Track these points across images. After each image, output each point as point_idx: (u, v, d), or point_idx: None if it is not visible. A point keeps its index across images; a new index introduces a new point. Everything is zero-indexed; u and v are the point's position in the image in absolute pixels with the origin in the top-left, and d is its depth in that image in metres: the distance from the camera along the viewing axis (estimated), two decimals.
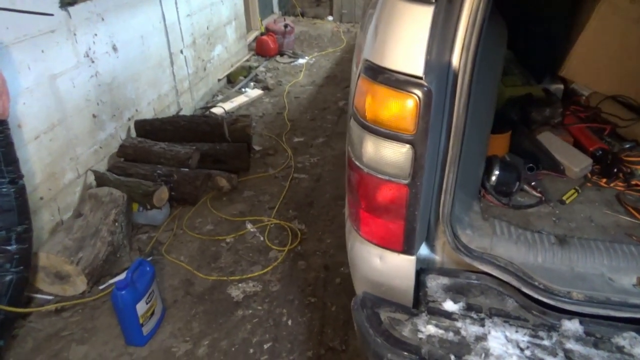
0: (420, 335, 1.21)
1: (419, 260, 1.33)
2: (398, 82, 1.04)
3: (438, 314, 1.27)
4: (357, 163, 1.19)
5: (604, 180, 1.63)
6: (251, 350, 2.09)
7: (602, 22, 1.98)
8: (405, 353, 1.15)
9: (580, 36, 2.04)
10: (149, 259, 2.54)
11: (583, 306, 1.24)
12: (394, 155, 1.10)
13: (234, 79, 4.78)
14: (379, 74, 1.06)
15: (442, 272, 1.37)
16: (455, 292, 1.33)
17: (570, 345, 1.20)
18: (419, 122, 1.05)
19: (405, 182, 1.13)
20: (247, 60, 5.18)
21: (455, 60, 1.08)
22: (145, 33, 3.32)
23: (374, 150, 1.13)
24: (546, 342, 1.21)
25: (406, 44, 1.02)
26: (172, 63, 3.71)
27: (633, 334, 1.22)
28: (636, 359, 1.17)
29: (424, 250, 1.37)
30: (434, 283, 1.34)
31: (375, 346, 1.18)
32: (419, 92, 1.02)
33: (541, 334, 1.23)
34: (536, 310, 1.28)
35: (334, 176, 3.32)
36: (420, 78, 1.02)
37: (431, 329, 1.22)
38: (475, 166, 1.40)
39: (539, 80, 2.18)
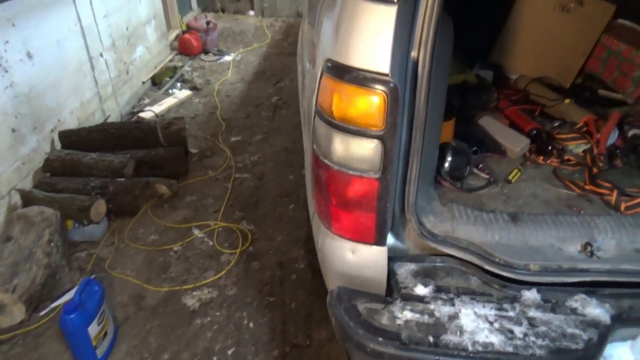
0: (398, 322, 1.25)
1: (388, 250, 1.37)
2: (365, 79, 1.06)
3: (411, 299, 1.32)
4: (325, 161, 1.20)
5: (541, 157, 1.77)
6: (215, 358, 2.04)
7: (524, 10, 2.13)
8: (388, 340, 1.19)
9: (505, 24, 2.18)
10: (92, 277, 2.39)
11: (539, 276, 1.34)
12: (364, 151, 1.13)
13: (159, 80, 4.58)
14: (345, 73, 1.07)
15: (409, 258, 1.42)
16: (423, 276, 1.38)
17: (532, 313, 1.30)
18: (387, 117, 1.08)
19: (376, 176, 1.16)
20: (171, 61, 4.99)
21: (415, 56, 1.11)
22: (61, 37, 3.09)
23: (344, 147, 1.14)
24: (511, 313, 1.30)
25: (371, 43, 1.04)
26: (92, 68, 3.48)
27: (583, 295, 1.34)
28: (587, 317, 1.29)
29: (390, 239, 1.41)
30: (403, 270, 1.39)
31: (357, 337, 1.20)
32: (386, 89, 1.05)
33: (505, 306, 1.32)
34: (498, 284, 1.36)
35: (277, 173, 3.31)
36: (387, 75, 1.05)
37: (407, 314, 1.27)
38: (432, 154, 1.46)
39: (471, 67, 2.31)
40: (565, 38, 2.19)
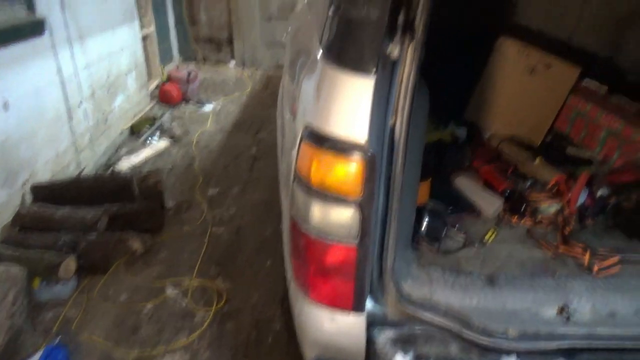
0: None
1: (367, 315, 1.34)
2: (344, 148, 1.07)
3: None
4: (303, 228, 1.19)
5: (515, 217, 1.79)
6: None
7: (495, 72, 2.23)
8: None
9: (478, 84, 2.27)
10: (57, 339, 2.27)
11: (518, 342, 1.33)
12: (342, 218, 1.12)
13: (137, 129, 4.57)
14: (324, 141, 1.08)
15: (389, 323, 1.39)
16: (402, 343, 1.35)
17: None
18: (365, 185, 1.09)
19: (355, 242, 1.15)
20: (151, 110, 5.00)
21: (392, 123, 1.14)
22: (40, 87, 3.07)
23: (321, 214, 1.14)
24: None
25: (350, 113, 1.06)
26: (70, 117, 3.46)
27: None
28: None
29: (368, 303, 1.39)
30: (382, 337, 1.35)
31: None
32: (364, 158, 1.07)
33: None
34: (477, 352, 1.34)
35: (254, 226, 3.27)
36: (365, 144, 1.06)
37: None
38: (409, 217, 1.47)
39: (445, 125, 2.37)
40: (535, 98, 2.28)
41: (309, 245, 1.19)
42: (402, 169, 1.19)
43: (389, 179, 1.19)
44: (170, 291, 2.65)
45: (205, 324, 2.42)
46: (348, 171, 1.08)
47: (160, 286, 2.68)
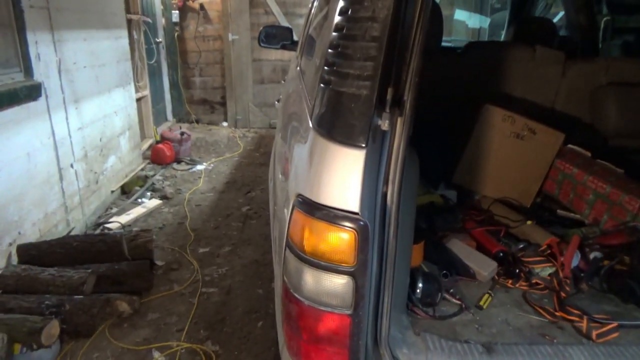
0: None
1: None
2: (336, 217, 1.08)
3: None
4: (296, 295, 1.17)
5: (510, 281, 1.78)
6: None
7: (482, 137, 2.29)
8: None
9: (465, 148, 2.33)
10: None
11: None
12: (335, 286, 1.11)
13: (129, 189, 4.57)
14: (316, 210, 1.09)
15: None
16: None
17: None
18: (358, 254, 1.08)
19: (348, 312, 1.13)
20: (143, 170, 5.03)
21: (384, 191, 1.15)
22: (32, 150, 3.09)
23: (314, 282, 1.13)
24: None
25: (341, 183, 1.07)
26: (61, 179, 3.46)
27: None
28: None
29: None
30: None
31: None
32: (356, 227, 1.07)
33: None
34: None
35: (245, 287, 3.21)
36: (357, 213, 1.07)
37: None
38: (403, 282, 1.45)
39: (436, 188, 2.40)
40: (522, 162, 2.33)
41: (301, 313, 1.17)
42: (395, 235, 1.20)
43: (382, 245, 1.19)
44: (157, 357, 2.55)
45: None
46: (341, 240, 1.08)
47: (147, 350, 2.58)
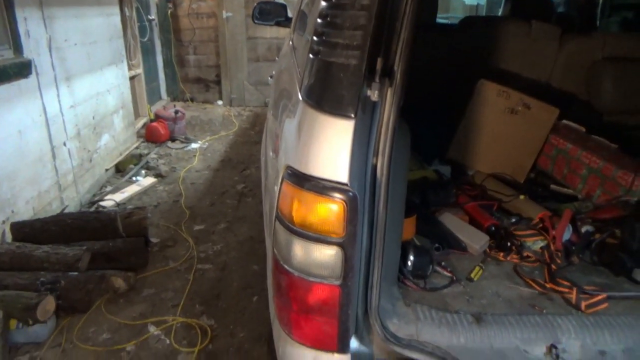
0: None
1: (352, 356, 1.31)
2: (325, 188, 1.07)
3: None
4: (285, 266, 1.17)
5: (501, 254, 1.79)
6: None
7: (476, 112, 2.27)
8: None
9: (460, 124, 2.32)
10: None
11: None
12: (324, 257, 1.11)
13: (123, 167, 4.55)
14: (305, 181, 1.09)
15: None
16: None
17: None
18: (347, 225, 1.08)
19: (338, 282, 1.14)
20: (137, 148, 5.00)
21: (374, 163, 1.15)
22: (23, 128, 3.07)
23: (304, 253, 1.13)
24: None
25: (330, 154, 1.07)
26: (54, 157, 3.44)
27: None
28: None
29: (353, 343, 1.36)
30: None
31: None
32: (345, 198, 1.07)
33: None
34: None
35: (240, 263, 3.22)
36: (346, 184, 1.07)
37: None
38: (394, 254, 1.46)
39: (429, 163, 2.40)
40: (516, 137, 2.32)
41: (291, 284, 1.18)
42: (385, 207, 1.19)
43: (372, 217, 1.19)
44: (153, 330, 2.57)
45: None
46: (329, 211, 1.08)
47: (142, 325, 2.61)
